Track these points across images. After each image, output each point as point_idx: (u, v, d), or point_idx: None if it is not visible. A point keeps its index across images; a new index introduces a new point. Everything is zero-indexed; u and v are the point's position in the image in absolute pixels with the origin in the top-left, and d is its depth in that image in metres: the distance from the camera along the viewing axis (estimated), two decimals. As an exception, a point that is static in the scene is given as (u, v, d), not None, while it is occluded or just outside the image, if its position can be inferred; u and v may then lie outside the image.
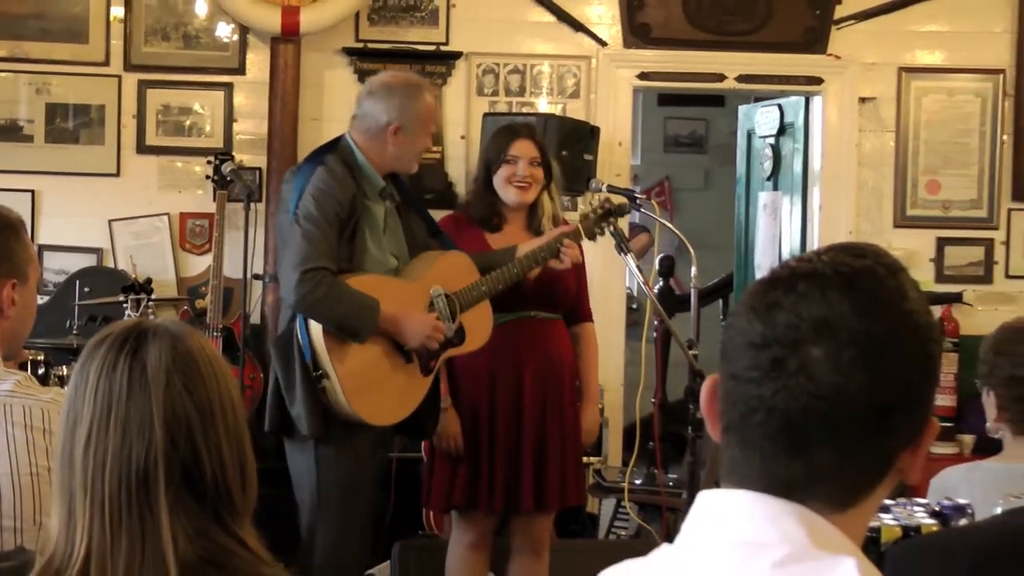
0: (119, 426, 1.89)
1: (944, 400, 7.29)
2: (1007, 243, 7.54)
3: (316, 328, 4.59)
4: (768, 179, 8.19)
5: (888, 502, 3.16)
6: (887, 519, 3.05)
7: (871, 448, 1.45)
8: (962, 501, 3.19)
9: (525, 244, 4.98)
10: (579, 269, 5.25)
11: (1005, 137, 7.51)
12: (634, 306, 8.23)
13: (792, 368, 1.42)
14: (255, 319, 6.84)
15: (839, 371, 1.41)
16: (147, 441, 1.88)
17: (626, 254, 5.12)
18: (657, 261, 7.78)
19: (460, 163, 7.16)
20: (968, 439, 7.09)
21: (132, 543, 1.85)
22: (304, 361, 4.58)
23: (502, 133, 5.23)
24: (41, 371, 5.79)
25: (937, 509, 3.16)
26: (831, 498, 1.44)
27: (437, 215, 5.30)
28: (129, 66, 7.18)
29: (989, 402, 3.41)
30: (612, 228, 5.12)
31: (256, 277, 6.81)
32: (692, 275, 5.33)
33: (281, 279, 4.75)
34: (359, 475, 4.73)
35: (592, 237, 5.12)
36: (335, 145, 4.84)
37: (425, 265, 4.87)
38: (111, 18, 7.16)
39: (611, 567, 1.56)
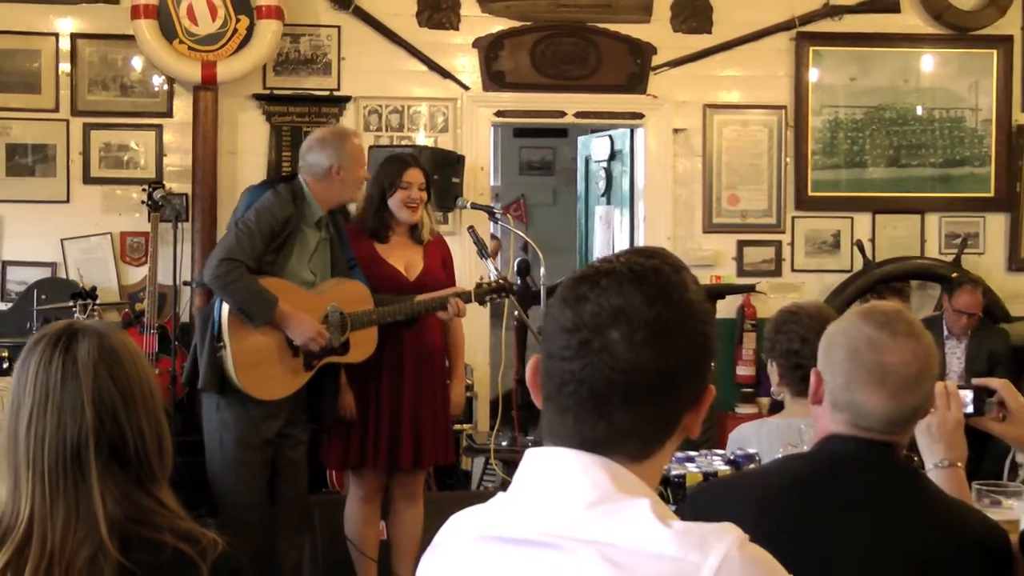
0: (55, 410, 1.87)
1: (746, 370, 7.40)
2: (792, 244, 7.67)
3: (226, 309, 4.66)
4: (603, 196, 8.26)
5: (692, 453, 3.21)
6: (691, 467, 3.09)
7: (660, 411, 1.46)
8: (752, 451, 3.24)
9: (423, 296, 4.93)
10: (450, 270, 5.24)
11: (788, 159, 7.64)
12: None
13: (596, 348, 1.43)
14: (184, 318, 6.77)
15: (633, 349, 1.42)
16: (79, 422, 1.87)
17: (487, 259, 5.13)
18: (515, 264, 7.80)
19: (351, 186, 7.12)
20: (765, 401, 7.18)
21: (68, 506, 1.84)
22: (213, 331, 4.67)
23: (395, 163, 5.08)
24: (5, 365, 5.93)
25: (731, 458, 3.20)
26: (630, 452, 1.45)
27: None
28: (76, 112, 7.08)
29: (772, 371, 3.43)
30: (496, 300, 5.10)
31: (185, 283, 6.79)
32: (541, 275, 5.35)
33: (207, 261, 4.78)
34: (251, 436, 4.76)
35: (482, 303, 5.09)
36: (290, 179, 4.90)
37: (331, 286, 4.87)
38: (60, 72, 7.06)
39: (459, 512, 1.56)
